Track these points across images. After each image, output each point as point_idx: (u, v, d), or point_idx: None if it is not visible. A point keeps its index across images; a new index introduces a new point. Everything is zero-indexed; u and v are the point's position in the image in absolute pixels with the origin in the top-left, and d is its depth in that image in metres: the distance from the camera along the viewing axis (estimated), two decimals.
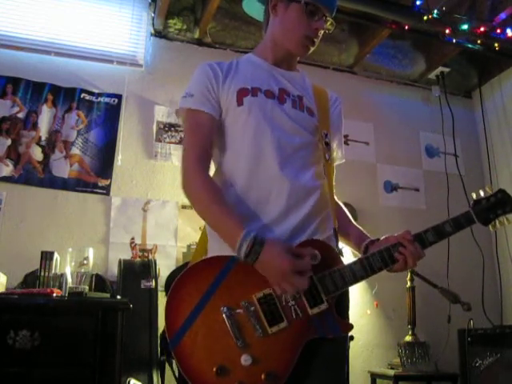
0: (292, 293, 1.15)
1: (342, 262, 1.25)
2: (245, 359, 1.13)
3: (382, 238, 1.32)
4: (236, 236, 1.15)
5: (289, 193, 1.27)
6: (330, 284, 1.19)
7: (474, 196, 1.34)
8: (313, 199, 1.29)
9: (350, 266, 1.23)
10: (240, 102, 1.34)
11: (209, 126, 1.33)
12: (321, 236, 1.28)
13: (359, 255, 1.32)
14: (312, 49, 1.43)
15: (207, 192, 1.25)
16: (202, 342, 1.16)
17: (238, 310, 1.17)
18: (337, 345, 1.23)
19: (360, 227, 1.45)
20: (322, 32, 1.41)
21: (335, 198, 1.49)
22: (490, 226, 1.33)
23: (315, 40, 1.41)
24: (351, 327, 1.24)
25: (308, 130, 1.38)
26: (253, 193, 1.28)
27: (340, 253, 1.31)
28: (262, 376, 1.13)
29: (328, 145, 1.41)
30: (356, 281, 1.22)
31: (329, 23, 1.41)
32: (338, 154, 1.54)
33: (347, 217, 1.48)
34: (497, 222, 1.32)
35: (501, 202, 1.31)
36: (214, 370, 1.13)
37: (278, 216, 1.25)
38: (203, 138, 1.32)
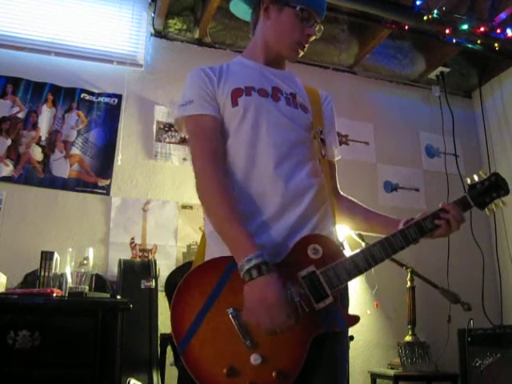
0: (262, 326, 1.12)
1: (344, 255, 1.25)
2: (254, 359, 1.13)
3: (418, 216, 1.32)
4: (249, 249, 1.14)
5: (283, 192, 1.27)
6: (333, 278, 1.19)
7: (469, 181, 1.35)
8: (308, 197, 1.30)
9: (352, 258, 1.23)
10: (235, 103, 1.34)
11: (214, 127, 1.33)
12: (322, 231, 1.28)
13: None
14: (302, 53, 1.45)
15: (222, 199, 1.23)
16: (210, 345, 1.15)
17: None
18: (341, 341, 1.24)
19: (382, 213, 1.44)
20: (313, 38, 1.44)
21: (341, 193, 1.50)
22: (487, 210, 1.34)
23: (305, 45, 1.43)
24: (358, 319, 1.22)
25: (303, 127, 1.39)
26: (249, 191, 1.28)
27: (341, 246, 1.32)
28: (273, 374, 1.12)
29: (323, 141, 1.42)
30: (360, 273, 1.22)
31: (317, 28, 1.43)
32: (334, 151, 1.53)
33: (360, 205, 1.47)
34: (493, 205, 1.34)
35: (495, 185, 1.33)
36: (225, 371, 1.12)
37: (275, 214, 1.26)
38: (210, 141, 1.31)
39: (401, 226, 1.31)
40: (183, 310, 1.18)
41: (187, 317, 1.17)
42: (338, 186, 1.51)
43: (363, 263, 1.22)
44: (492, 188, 1.33)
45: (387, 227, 1.35)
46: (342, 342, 1.25)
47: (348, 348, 1.31)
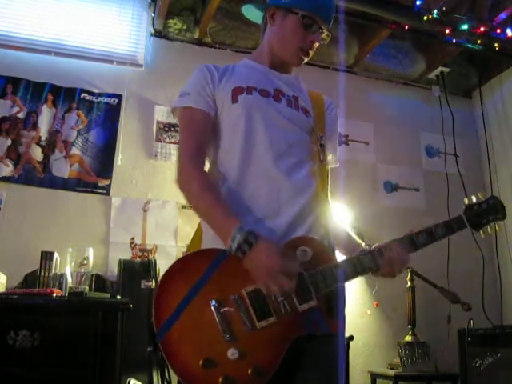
0: (277, 293, 1.15)
1: (334, 260, 1.25)
2: (232, 353, 1.13)
3: (373, 247, 1.30)
4: (229, 228, 1.15)
5: (280, 189, 1.28)
6: (320, 281, 1.19)
7: (466, 201, 1.34)
8: (306, 197, 1.30)
9: (342, 264, 1.23)
10: (235, 100, 1.35)
11: (204, 123, 1.35)
12: (315, 234, 1.28)
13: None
14: (306, 60, 1.45)
15: (201, 185, 1.27)
16: (189, 335, 1.16)
17: (227, 304, 1.17)
18: (328, 343, 1.22)
19: (352, 234, 1.45)
20: (318, 44, 1.43)
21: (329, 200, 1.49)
22: (481, 232, 1.34)
23: (310, 52, 1.43)
24: (340, 325, 1.23)
25: (303, 129, 1.39)
26: (245, 188, 1.29)
27: (332, 251, 1.32)
28: (249, 370, 1.13)
29: (323, 146, 1.42)
30: (346, 279, 1.22)
31: (324, 34, 1.42)
32: (333, 158, 1.54)
33: (338, 225, 1.48)
34: (488, 227, 1.33)
35: (492, 209, 1.32)
36: (201, 362, 1.13)
37: (270, 212, 1.26)
38: (198, 135, 1.34)
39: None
40: (167, 296, 1.19)
41: (170, 304, 1.18)
42: (329, 194, 1.51)
43: (351, 271, 1.22)
44: (489, 211, 1.32)
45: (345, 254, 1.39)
46: (330, 343, 1.23)
47: (338, 351, 1.27)
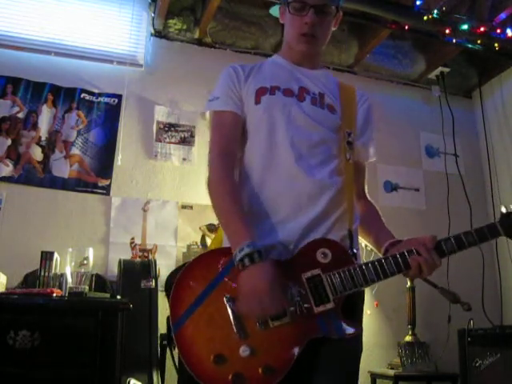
0: (246, 315, 1.15)
1: (353, 262, 1.22)
2: (243, 350, 1.13)
3: (404, 240, 1.27)
4: (240, 240, 1.16)
5: (301, 190, 1.27)
6: (338, 284, 1.18)
7: (504, 209, 1.25)
8: (327, 196, 1.28)
9: (362, 267, 1.19)
10: (258, 101, 1.36)
11: (233, 123, 1.36)
12: (335, 235, 1.26)
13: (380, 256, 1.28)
14: (316, 41, 1.40)
15: (225, 190, 1.28)
16: (203, 329, 1.17)
17: None
18: (343, 347, 1.19)
19: (385, 226, 1.40)
20: (319, 23, 1.37)
21: (368, 196, 1.48)
22: None
23: (312, 33, 1.37)
24: (357, 330, 1.20)
25: (327, 127, 1.37)
26: (266, 189, 1.29)
27: (354, 255, 1.27)
28: (260, 369, 1.12)
29: (350, 144, 1.40)
30: (366, 283, 1.19)
31: (333, 10, 1.38)
32: (369, 152, 1.51)
33: (374, 215, 1.44)
34: None
35: None
36: (212, 357, 1.13)
37: (291, 213, 1.26)
38: (226, 137, 1.35)
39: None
40: (184, 292, 1.21)
41: (186, 299, 1.19)
42: (366, 191, 1.49)
43: (371, 274, 1.19)
44: None
45: (374, 246, 1.38)
46: (346, 346, 1.20)
47: (353, 355, 1.25)
